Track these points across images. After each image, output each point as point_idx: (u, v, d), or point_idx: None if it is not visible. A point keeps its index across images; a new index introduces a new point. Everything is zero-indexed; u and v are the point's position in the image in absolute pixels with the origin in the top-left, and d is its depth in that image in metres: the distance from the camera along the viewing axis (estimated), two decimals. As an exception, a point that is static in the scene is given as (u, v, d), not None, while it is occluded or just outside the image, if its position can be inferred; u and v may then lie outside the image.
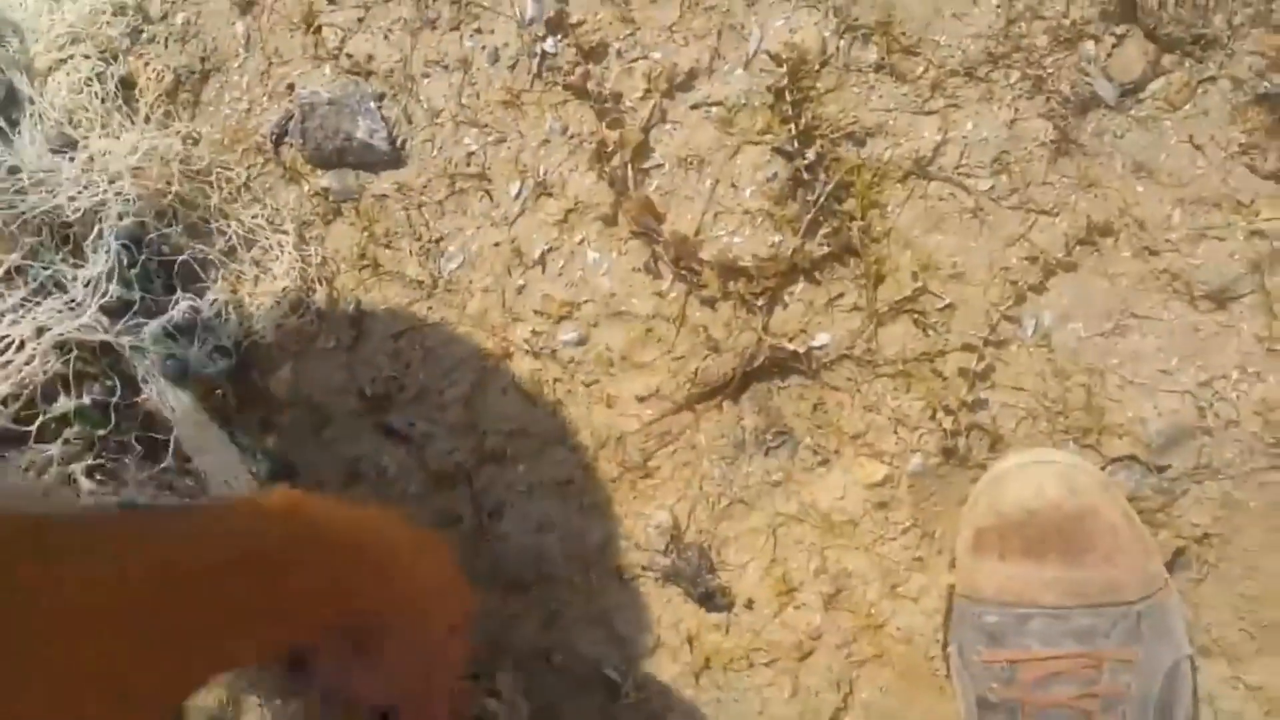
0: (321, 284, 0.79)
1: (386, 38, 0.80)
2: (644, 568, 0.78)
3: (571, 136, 0.79)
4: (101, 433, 0.70)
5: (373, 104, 0.77)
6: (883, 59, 0.77)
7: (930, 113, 0.77)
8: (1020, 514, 0.73)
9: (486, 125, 0.79)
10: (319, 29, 0.80)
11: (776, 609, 0.77)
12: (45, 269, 0.71)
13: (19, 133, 0.76)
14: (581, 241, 0.79)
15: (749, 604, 0.77)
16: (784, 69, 0.77)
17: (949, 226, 0.78)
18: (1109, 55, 0.74)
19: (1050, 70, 0.75)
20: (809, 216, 0.77)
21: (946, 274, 0.78)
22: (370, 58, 0.80)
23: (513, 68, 0.80)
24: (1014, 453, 0.75)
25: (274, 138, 0.76)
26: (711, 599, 0.77)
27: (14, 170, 0.72)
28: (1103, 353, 0.76)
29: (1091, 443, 0.76)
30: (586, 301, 0.79)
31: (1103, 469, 0.74)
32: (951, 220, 0.78)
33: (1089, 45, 0.74)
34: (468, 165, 0.79)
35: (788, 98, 0.77)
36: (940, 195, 0.78)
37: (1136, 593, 0.69)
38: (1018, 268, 0.78)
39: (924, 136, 0.77)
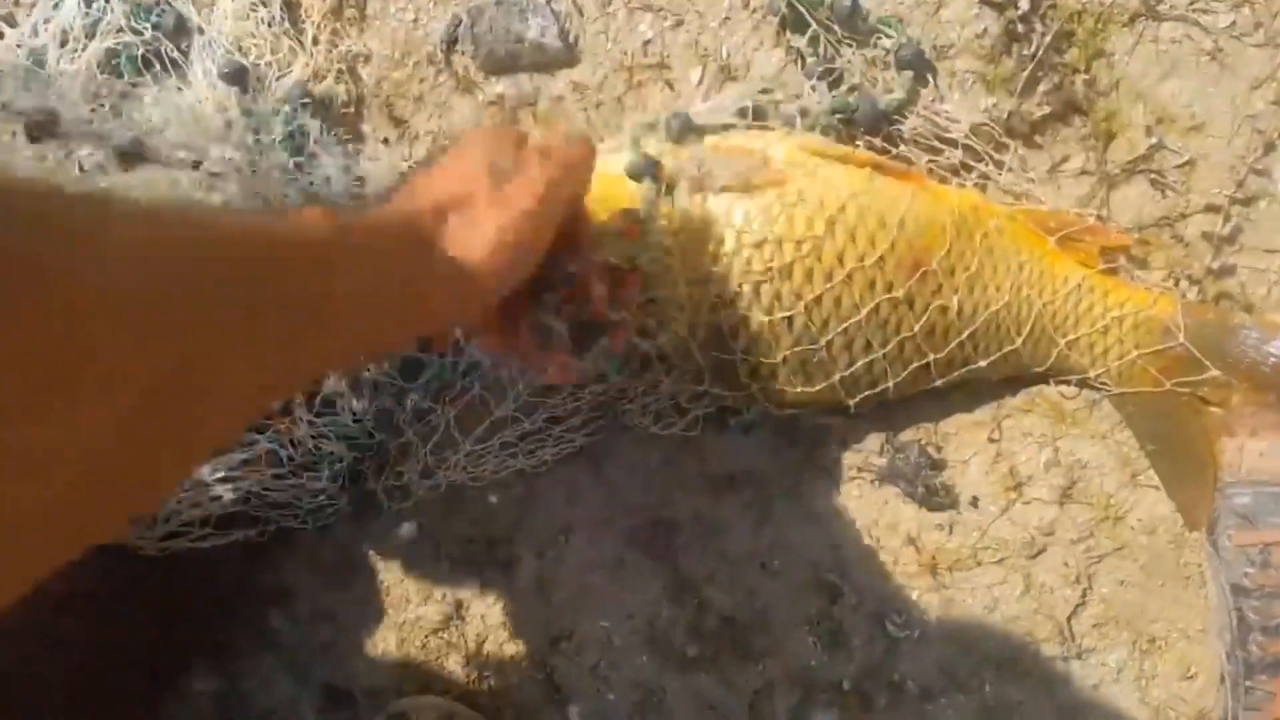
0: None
1: (548, -74, 0.75)
2: (859, 469, 0.74)
3: (754, 10, 0.73)
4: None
5: (542, -1, 0.72)
6: (1102, -115, 0.68)
7: (1161, -57, 0.68)
8: (1275, 386, 0.67)
9: (661, 8, 0.73)
10: (475, -75, 0.76)
11: (1005, 505, 0.72)
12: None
13: (190, 62, 0.75)
14: (768, 127, 0.74)
15: (974, 501, 0.73)
16: (986, -90, 0.68)
17: (1185, 72, 0.69)
18: None
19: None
20: (1025, 73, 0.69)
21: (1185, 126, 0.70)
22: (533, -51, 0.75)
23: (682, -58, 0.74)
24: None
25: (444, 46, 0.73)
26: (932, 498, 0.73)
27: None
28: (1369, 203, 0.67)
29: (1356, 305, 0.68)
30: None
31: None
32: (1188, 64, 0.69)
33: None
34: (644, 55, 0.74)
35: (993, -58, 0.68)
36: (1173, 37, 0.69)
37: None
38: (1265, 113, 0.69)
39: (1155, -30, 0.68)
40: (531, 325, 0.56)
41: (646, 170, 0.65)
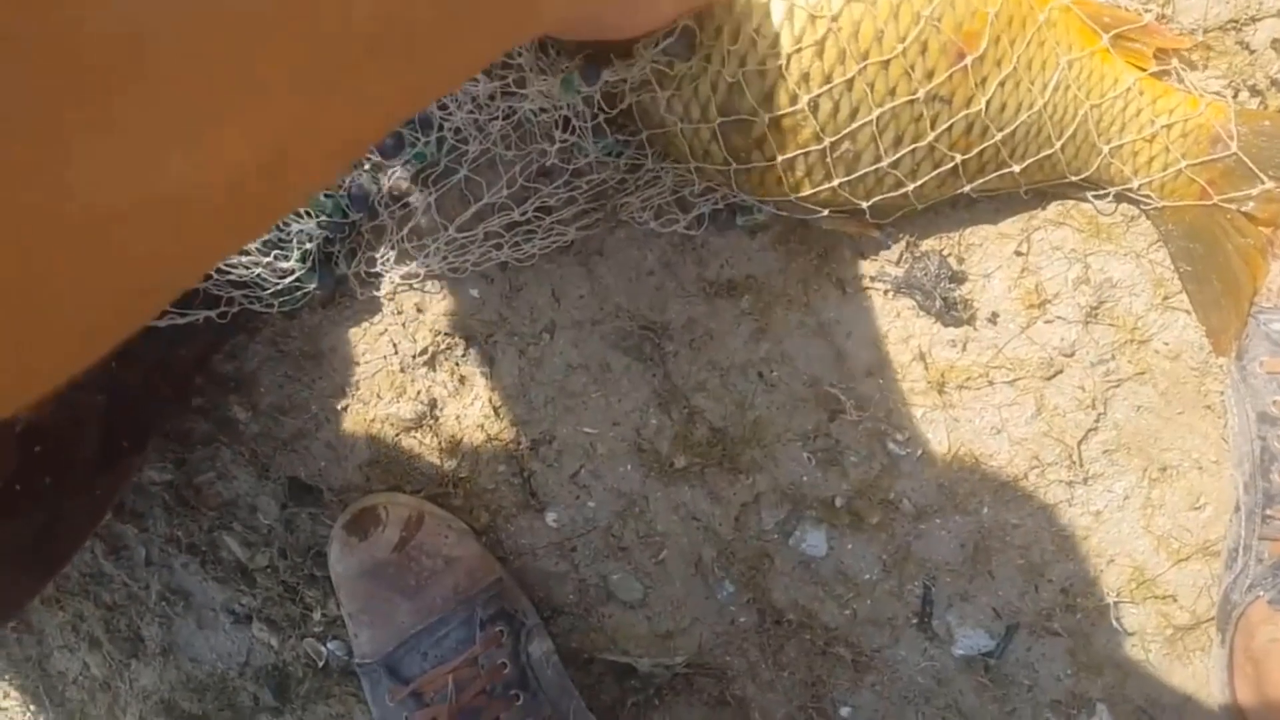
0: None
1: None
2: (872, 278, 0.69)
3: None
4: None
5: None
6: None
7: None
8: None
9: None
10: None
11: (1025, 323, 0.68)
12: None
13: None
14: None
15: (992, 318, 0.68)
16: None
17: None
18: None
19: None
20: None
21: (1272, -89, 0.62)
22: None
23: None
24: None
25: None
26: (949, 312, 0.68)
27: None
28: None
29: None
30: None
31: None
32: None
33: None
34: None
35: None
36: None
37: None
38: (1358, -95, 0.62)
39: None
40: None
41: None
